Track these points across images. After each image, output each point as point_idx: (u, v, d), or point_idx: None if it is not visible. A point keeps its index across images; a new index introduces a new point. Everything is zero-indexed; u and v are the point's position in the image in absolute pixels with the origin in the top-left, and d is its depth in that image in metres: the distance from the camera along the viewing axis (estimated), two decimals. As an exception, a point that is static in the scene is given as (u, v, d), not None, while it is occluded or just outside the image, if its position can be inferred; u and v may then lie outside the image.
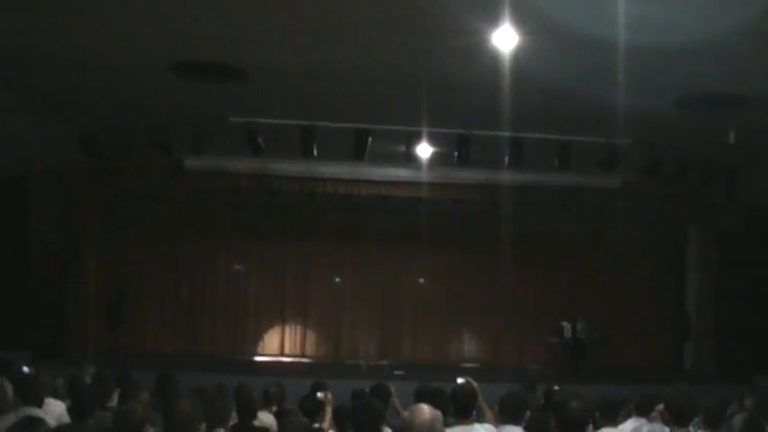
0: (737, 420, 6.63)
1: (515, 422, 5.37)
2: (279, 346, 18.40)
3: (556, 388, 8.61)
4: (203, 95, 11.08)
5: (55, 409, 5.98)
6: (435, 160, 13.57)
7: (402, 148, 12.50)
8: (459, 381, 6.18)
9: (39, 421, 4.03)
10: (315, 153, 12.05)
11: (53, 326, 14.97)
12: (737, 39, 7.99)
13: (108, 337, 16.55)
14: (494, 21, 7.65)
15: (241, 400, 6.53)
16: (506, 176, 14.12)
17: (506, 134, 11.67)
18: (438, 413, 4.05)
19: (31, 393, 5.55)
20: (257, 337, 18.41)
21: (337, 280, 18.92)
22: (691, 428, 4.90)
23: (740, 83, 9.67)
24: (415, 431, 3.97)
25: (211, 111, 11.53)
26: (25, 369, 7.98)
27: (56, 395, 6.61)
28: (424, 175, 14.50)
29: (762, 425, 5.67)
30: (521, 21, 7.60)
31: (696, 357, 16.41)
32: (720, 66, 9.06)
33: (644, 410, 6.45)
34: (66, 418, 5.84)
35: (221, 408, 5.37)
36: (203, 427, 3.92)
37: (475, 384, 5.95)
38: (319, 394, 6.78)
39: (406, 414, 4.12)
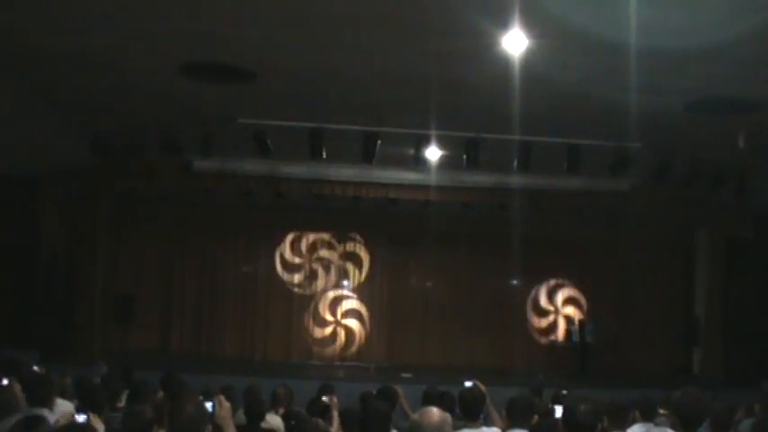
0: (745, 425, 6.61)
1: (523, 426, 5.35)
2: (287, 347, 18.40)
3: (564, 392, 8.59)
4: (213, 97, 11.10)
5: (63, 410, 5.98)
6: (444, 163, 13.56)
7: (411, 150, 12.49)
8: (467, 384, 6.17)
9: (39, 420, 4.04)
10: (324, 155, 12.06)
11: (61, 325, 15.01)
12: (748, 43, 7.97)
13: (116, 337, 16.60)
14: (504, 24, 7.65)
15: (250, 401, 6.55)
16: (515, 180, 14.11)
17: (516, 137, 11.66)
18: (447, 415, 4.04)
19: (41, 393, 5.55)
20: (266, 338, 18.41)
21: (345, 282, 18.93)
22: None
23: (751, 87, 9.64)
24: (423, 433, 3.96)
25: (221, 112, 11.56)
26: (35, 368, 7.99)
27: (63, 395, 6.61)
28: (433, 179, 14.48)
29: (770, 430, 5.65)
30: (531, 24, 7.59)
31: (705, 362, 16.37)
32: (731, 70, 9.04)
33: (649, 415, 6.42)
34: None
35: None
36: (209, 428, 3.92)
37: (483, 387, 5.94)
38: (325, 398, 6.77)
39: (415, 416, 4.10)
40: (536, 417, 5.68)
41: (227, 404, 4.43)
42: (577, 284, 18.58)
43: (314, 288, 18.77)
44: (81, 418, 5.17)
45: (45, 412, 5.22)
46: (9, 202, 15.02)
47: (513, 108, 9.93)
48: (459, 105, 10.68)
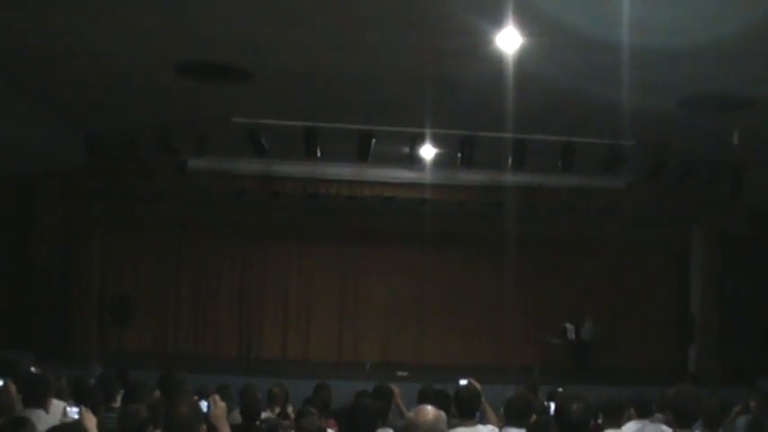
0: (741, 422, 6.63)
1: (520, 424, 5.36)
2: (282, 346, 18.38)
3: (560, 390, 8.61)
4: (207, 96, 11.10)
5: (59, 410, 5.97)
6: (439, 162, 13.57)
7: (406, 149, 12.50)
8: (463, 382, 6.16)
9: (24, 421, 4.06)
10: (318, 154, 12.06)
11: (57, 326, 14.99)
12: (741, 40, 7.99)
13: (112, 337, 16.58)
14: (497, 22, 7.67)
15: (246, 401, 6.55)
16: (510, 178, 14.11)
17: (510, 135, 11.67)
18: (442, 413, 4.05)
19: (36, 394, 5.54)
20: (261, 337, 18.38)
21: (341, 281, 18.89)
22: (695, 431, 4.89)
23: (744, 84, 9.66)
24: (418, 431, 3.97)
25: (215, 112, 11.56)
26: (32, 369, 7.97)
27: (59, 395, 6.60)
28: (428, 177, 14.49)
29: (765, 426, 5.67)
30: (524, 22, 7.61)
31: (700, 359, 16.38)
32: (724, 67, 9.06)
33: (645, 412, 6.43)
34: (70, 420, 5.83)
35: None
36: (203, 428, 3.93)
37: (478, 385, 5.94)
38: None
39: (410, 414, 4.11)
40: (534, 416, 5.68)
41: (221, 404, 4.44)
42: (572, 282, 18.58)
43: (309, 287, 18.72)
44: (73, 411, 5.17)
45: (40, 413, 5.21)
46: (5, 202, 15.01)
47: (507, 106, 9.94)
48: (453, 103, 10.69)
